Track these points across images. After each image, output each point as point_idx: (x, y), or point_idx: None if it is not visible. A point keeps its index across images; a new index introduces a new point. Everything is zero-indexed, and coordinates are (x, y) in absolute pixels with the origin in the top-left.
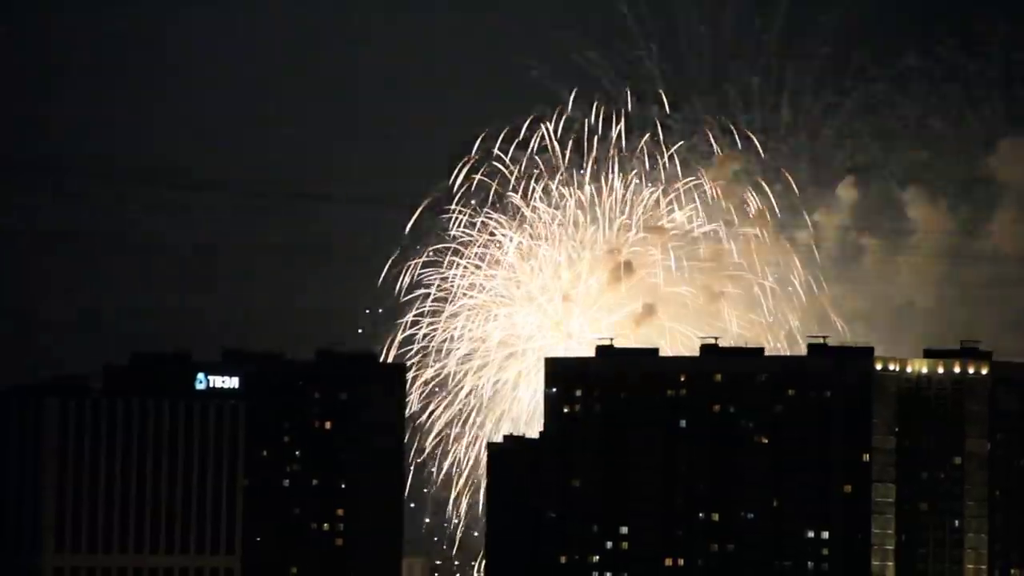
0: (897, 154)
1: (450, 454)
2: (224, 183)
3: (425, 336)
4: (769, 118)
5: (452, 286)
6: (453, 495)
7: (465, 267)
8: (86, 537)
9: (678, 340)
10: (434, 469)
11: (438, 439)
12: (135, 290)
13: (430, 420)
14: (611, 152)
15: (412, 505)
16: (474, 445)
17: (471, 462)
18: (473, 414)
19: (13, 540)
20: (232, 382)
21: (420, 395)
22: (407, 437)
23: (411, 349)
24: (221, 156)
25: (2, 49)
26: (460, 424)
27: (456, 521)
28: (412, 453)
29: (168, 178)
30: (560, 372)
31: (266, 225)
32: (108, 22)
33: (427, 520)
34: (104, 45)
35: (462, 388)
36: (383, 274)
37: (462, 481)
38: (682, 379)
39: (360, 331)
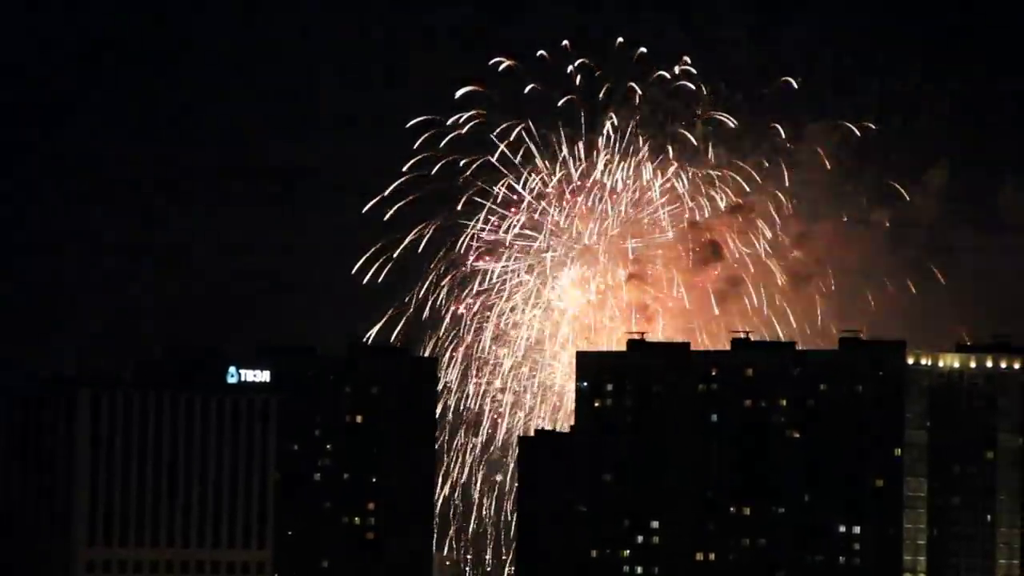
0: (993, 142)
1: (481, 446)
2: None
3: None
4: (859, 103)
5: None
6: (484, 488)
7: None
8: (118, 530)
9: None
10: (466, 462)
11: (471, 430)
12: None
13: (464, 411)
14: (696, 132)
15: (443, 498)
16: (508, 437)
17: (504, 454)
18: (508, 406)
19: (46, 532)
20: (263, 376)
21: (455, 384)
22: (439, 427)
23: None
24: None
25: None
26: (494, 416)
27: (487, 515)
28: (443, 443)
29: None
30: (591, 366)
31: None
32: None
33: (458, 513)
34: None
35: (499, 378)
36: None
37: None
38: (714, 373)
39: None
